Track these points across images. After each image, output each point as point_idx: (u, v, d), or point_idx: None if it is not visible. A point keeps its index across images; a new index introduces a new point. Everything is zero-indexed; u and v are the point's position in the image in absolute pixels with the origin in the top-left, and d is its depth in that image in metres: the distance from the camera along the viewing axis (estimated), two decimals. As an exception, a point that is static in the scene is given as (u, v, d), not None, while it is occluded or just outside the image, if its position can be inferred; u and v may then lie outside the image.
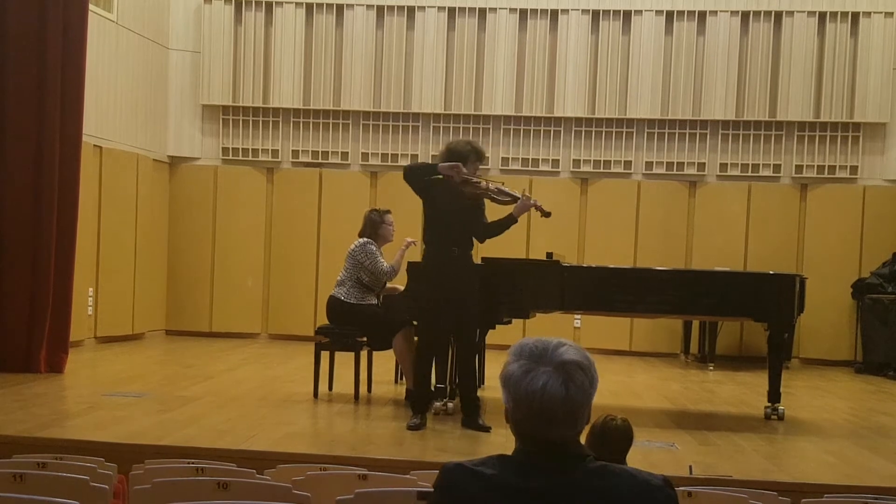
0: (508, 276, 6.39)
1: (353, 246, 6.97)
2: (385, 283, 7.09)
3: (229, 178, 11.37)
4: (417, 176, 6.05)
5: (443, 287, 5.96)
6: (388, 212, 7.11)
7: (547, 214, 6.19)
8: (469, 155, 6.01)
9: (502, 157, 11.12)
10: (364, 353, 7.03)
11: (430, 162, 6.06)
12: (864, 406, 7.89)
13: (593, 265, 7.65)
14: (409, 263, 6.68)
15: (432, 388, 6.21)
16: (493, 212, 6.28)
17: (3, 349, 7.60)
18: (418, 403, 6.06)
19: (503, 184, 6.30)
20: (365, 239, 6.96)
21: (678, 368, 10.09)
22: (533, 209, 6.15)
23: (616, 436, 3.43)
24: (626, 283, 6.75)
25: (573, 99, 11.08)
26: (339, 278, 7.00)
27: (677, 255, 10.93)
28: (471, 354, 6.16)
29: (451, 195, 5.97)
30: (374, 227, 6.99)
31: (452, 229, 6.00)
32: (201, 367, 8.57)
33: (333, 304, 6.95)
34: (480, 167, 6.17)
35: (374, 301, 6.99)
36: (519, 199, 6.08)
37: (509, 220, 6.14)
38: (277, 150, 11.37)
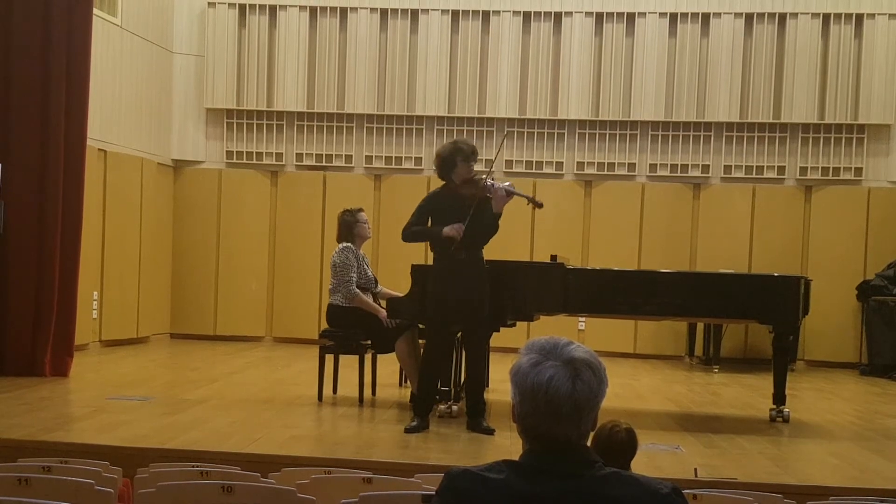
0: (512, 279, 6.38)
1: (333, 254, 6.98)
2: (376, 286, 7.10)
3: (233, 182, 11.38)
4: (416, 240, 6.20)
5: (451, 291, 5.93)
6: (361, 210, 7.15)
7: (539, 205, 6.02)
8: (455, 156, 5.92)
9: (506, 160, 11.10)
10: (368, 357, 7.03)
11: (426, 229, 5.99)
12: (869, 408, 7.88)
13: (597, 267, 7.65)
14: (414, 266, 6.67)
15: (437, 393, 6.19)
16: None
17: (8, 353, 7.61)
18: (421, 407, 6.04)
19: (508, 181, 6.24)
20: (344, 244, 6.95)
21: (683, 371, 10.08)
22: (526, 203, 6.03)
23: (620, 447, 3.41)
24: (631, 285, 6.74)
25: (577, 101, 11.07)
26: (330, 287, 7.01)
27: (681, 257, 10.91)
28: (480, 358, 6.13)
29: (453, 200, 5.94)
30: (349, 228, 7.00)
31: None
32: (206, 371, 8.58)
33: (332, 311, 6.95)
34: (475, 163, 6.02)
35: (371, 300, 6.99)
36: (514, 194, 5.87)
37: (493, 218, 5.93)
38: (281, 154, 11.38)
